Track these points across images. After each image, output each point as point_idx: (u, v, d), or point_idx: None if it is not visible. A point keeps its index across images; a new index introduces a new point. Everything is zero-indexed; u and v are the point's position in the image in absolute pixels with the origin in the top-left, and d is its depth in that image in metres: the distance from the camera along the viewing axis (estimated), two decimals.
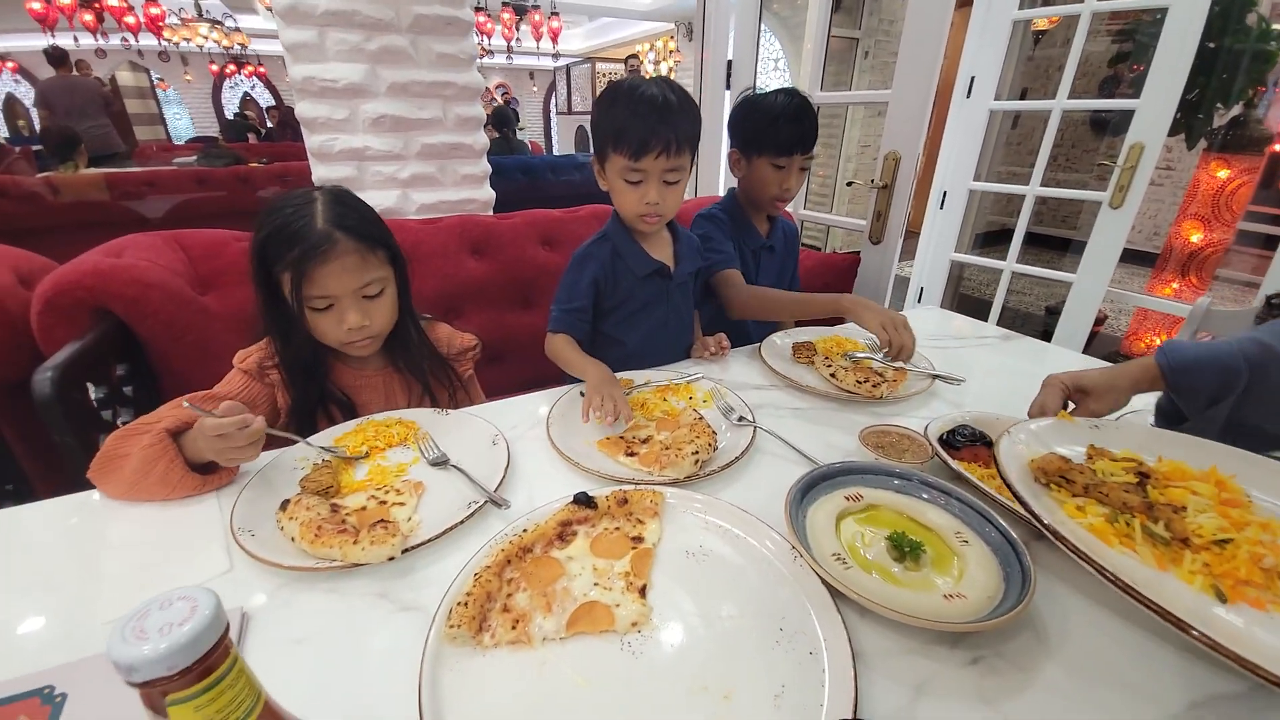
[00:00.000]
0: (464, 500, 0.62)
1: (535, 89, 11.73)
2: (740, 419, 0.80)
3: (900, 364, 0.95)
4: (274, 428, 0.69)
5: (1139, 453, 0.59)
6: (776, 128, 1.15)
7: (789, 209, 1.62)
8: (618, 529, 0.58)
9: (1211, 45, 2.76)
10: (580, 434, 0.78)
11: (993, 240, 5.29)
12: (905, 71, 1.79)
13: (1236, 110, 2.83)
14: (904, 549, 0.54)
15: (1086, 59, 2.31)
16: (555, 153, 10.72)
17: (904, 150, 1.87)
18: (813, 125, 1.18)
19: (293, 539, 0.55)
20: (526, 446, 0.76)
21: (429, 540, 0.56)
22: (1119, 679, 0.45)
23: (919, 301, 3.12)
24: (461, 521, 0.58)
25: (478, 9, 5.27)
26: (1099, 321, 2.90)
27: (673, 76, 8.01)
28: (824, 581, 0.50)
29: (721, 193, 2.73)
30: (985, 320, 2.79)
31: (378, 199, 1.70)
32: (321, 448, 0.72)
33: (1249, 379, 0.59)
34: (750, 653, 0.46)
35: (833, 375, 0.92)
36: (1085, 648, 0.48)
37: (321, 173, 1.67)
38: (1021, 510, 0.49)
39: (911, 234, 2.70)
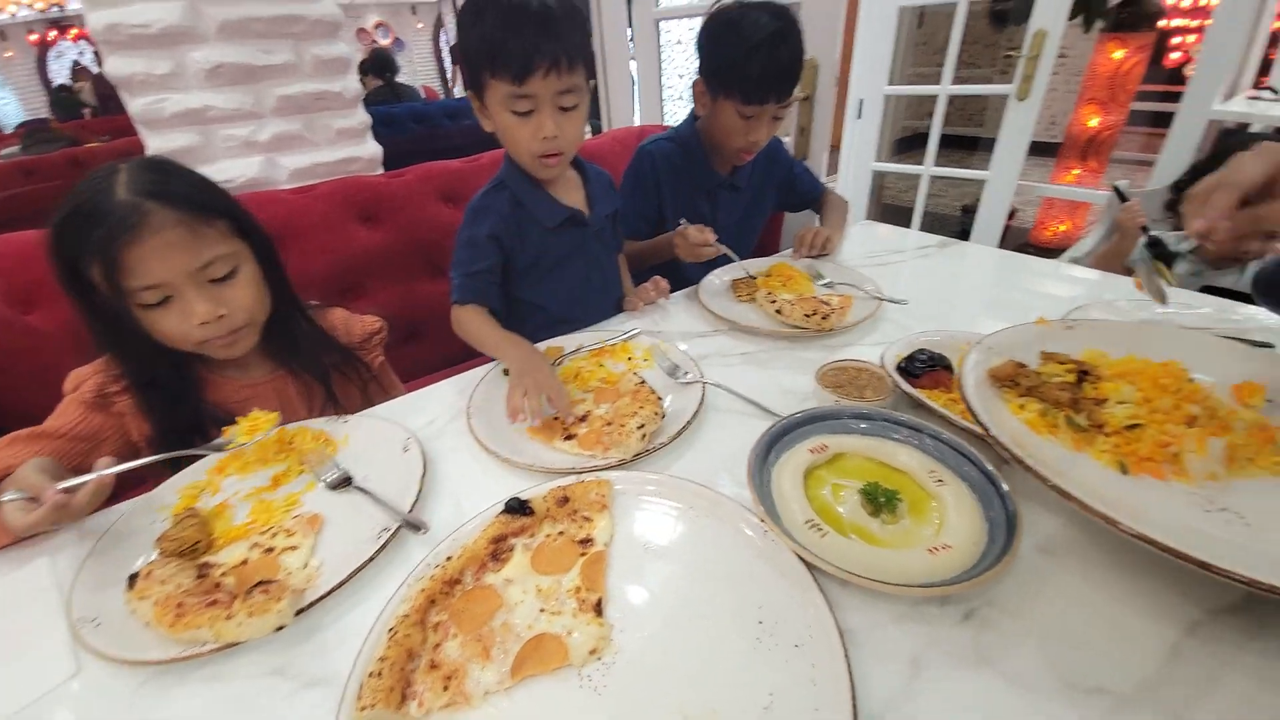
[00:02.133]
0: (374, 530, 0.52)
1: (420, 25, 10.56)
2: (686, 376, 0.72)
3: (843, 285, 0.90)
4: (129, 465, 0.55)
5: (1106, 349, 0.57)
6: (749, 63, 0.94)
7: None
8: (561, 534, 0.49)
9: None
10: (506, 420, 0.68)
11: (907, 146, 5.36)
12: None
13: None
14: (879, 501, 0.49)
15: None
16: (455, 95, 9.83)
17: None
18: (794, 63, 0.97)
19: (148, 624, 0.43)
20: (448, 445, 0.66)
21: (331, 591, 0.46)
22: (1113, 610, 0.42)
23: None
24: (369, 560, 0.48)
25: None
26: (1010, 215, 3.00)
27: None
28: (799, 557, 0.45)
29: (639, 122, 2.55)
30: (909, 226, 2.82)
31: (237, 169, 1.44)
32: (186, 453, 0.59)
33: None
34: (730, 661, 0.40)
35: (779, 311, 0.85)
36: (1072, 578, 0.45)
37: (157, 144, 1.39)
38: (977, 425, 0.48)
39: (833, 148, 2.64)
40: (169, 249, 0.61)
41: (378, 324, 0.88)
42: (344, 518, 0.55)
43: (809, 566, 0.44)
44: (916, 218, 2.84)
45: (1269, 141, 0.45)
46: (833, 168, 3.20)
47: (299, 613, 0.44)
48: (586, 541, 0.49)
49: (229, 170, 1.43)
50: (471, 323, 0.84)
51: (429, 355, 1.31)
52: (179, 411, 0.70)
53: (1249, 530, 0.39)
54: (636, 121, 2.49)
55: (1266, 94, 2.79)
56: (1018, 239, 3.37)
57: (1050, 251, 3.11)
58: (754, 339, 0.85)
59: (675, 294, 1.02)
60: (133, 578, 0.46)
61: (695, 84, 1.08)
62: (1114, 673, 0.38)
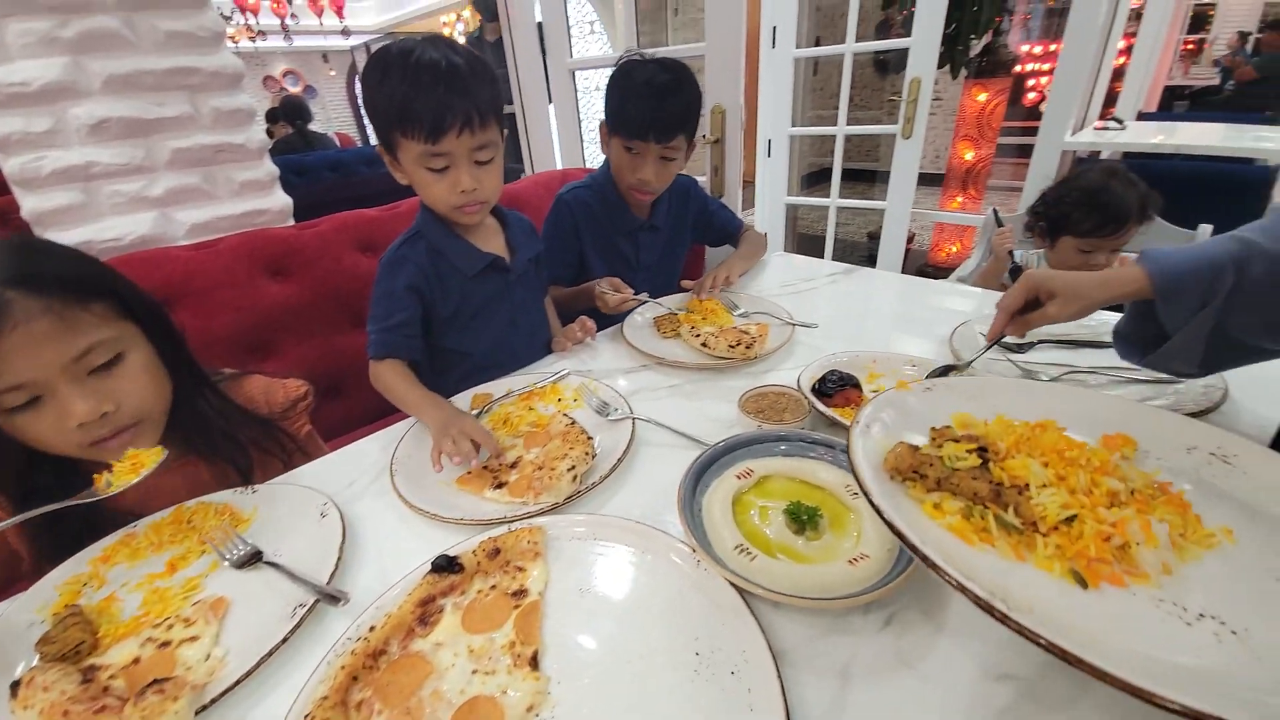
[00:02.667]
0: (288, 607, 0.48)
1: (333, 72, 10.38)
2: (616, 412, 0.73)
3: (758, 315, 0.95)
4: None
5: (969, 408, 0.52)
6: (629, 104, 1.01)
7: None
8: (493, 587, 0.48)
9: None
10: (433, 474, 0.66)
11: (817, 180, 5.78)
12: (714, 24, 1.79)
13: (987, 39, 3.30)
14: (801, 520, 0.51)
15: (863, 5, 2.51)
16: (371, 142, 9.65)
17: (727, 102, 1.89)
18: (678, 109, 1.01)
19: None
20: (369, 507, 0.63)
21: (238, 682, 0.42)
22: None
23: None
24: (283, 642, 0.45)
25: None
26: (909, 240, 3.28)
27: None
28: (729, 582, 0.46)
29: (561, 165, 2.61)
30: (822, 253, 3.01)
31: (125, 226, 1.34)
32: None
33: (1235, 278, 0.52)
34: (669, 697, 0.40)
35: (704, 345, 0.88)
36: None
37: (33, 204, 1.28)
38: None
39: (748, 183, 2.81)
40: (33, 343, 0.53)
41: (302, 389, 0.81)
42: (253, 598, 0.51)
43: (741, 592, 0.46)
44: (829, 245, 3.06)
45: (1030, 271, 0.64)
46: (750, 202, 3.40)
47: (200, 711, 0.40)
48: (520, 593, 0.47)
49: (117, 228, 1.33)
50: (389, 378, 0.81)
51: (352, 411, 1.25)
52: (65, 524, 0.59)
53: (1238, 642, 0.32)
54: (558, 165, 2.55)
55: (1113, 124, 3.25)
56: (918, 260, 3.68)
57: (946, 270, 3.41)
58: (679, 372, 0.87)
59: (601, 333, 1.03)
60: (14, 686, 0.40)
61: (599, 126, 1.14)
62: (1018, 659, 0.41)
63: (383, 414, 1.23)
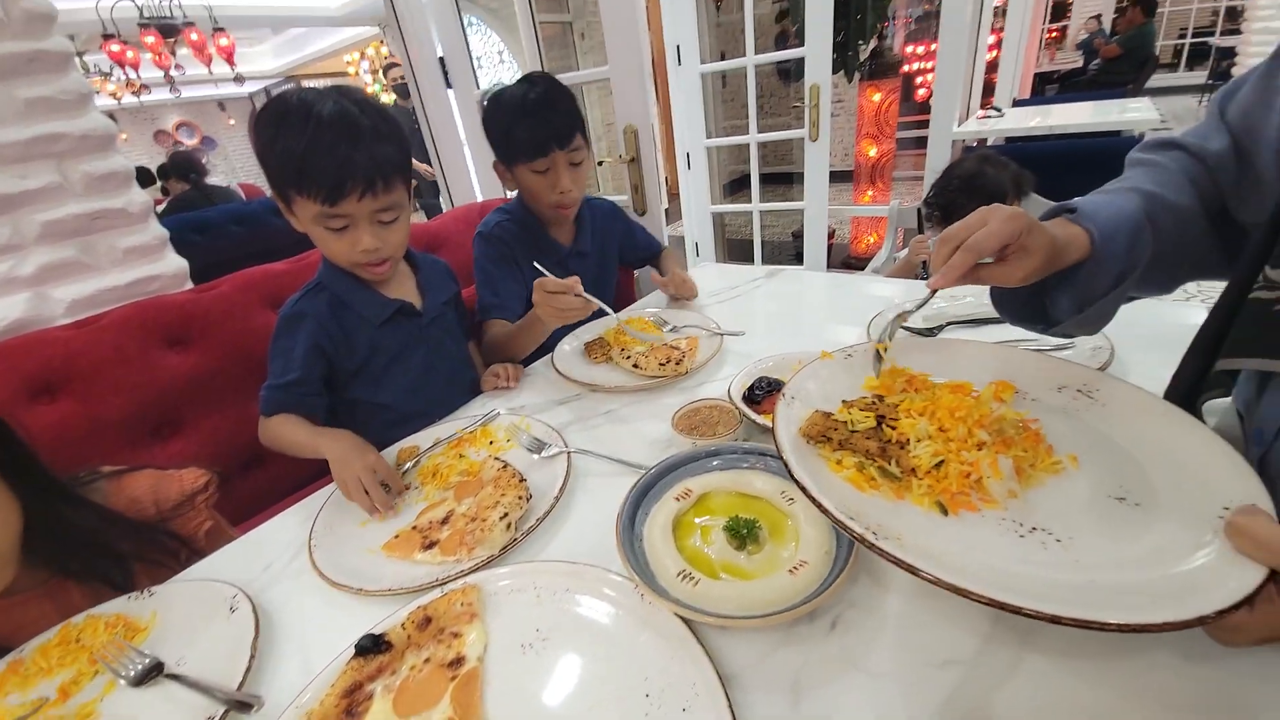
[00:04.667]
0: None
1: (233, 121, 9.91)
2: (549, 448, 0.71)
3: (687, 328, 0.95)
4: None
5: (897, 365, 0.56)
6: (518, 129, 0.99)
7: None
8: (427, 661, 0.45)
9: None
10: (358, 542, 0.62)
11: (737, 186, 5.97)
12: (615, 47, 1.82)
13: (874, 45, 3.53)
14: (741, 534, 0.51)
15: (759, 20, 2.63)
16: None
17: (638, 122, 1.92)
18: (563, 114, 1.01)
19: None
20: (288, 590, 0.58)
21: None
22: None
23: (698, 256, 3.37)
24: None
25: (108, 36, 4.15)
26: (830, 235, 3.44)
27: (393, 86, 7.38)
28: (675, 614, 0.44)
29: (480, 197, 2.57)
30: (751, 256, 3.10)
31: None
32: None
33: (1150, 235, 0.51)
34: None
35: (635, 366, 0.87)
36: None
37: None
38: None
39: (674, 196, 2.85)
40: None
41: (201, 479, 0.73)
42: (154, 716, 0.45)
43: (688, 621, 0.44)
44: (756, 249, 3.16)
45: (1008, 208, 0.51)
46: (677, 214, 3.47)
47: None
48: (457, 662, 0.44)
49: None
50: (279, 429, 0.76)
51: (273, 482, 1.16)
52: None
53: (1062, 549, 0.38)
54: (478, 197, 2.51)
55: (993, 113, 3.54)
56: (841, 253, 3.85)
57: (867, 259, 3.59)
58: (614, 396, 0.86)
59: (531, 365, 1.01)
60: None
61: (495, 166, 1.11)
62: (957, 645, 0.42)
63: (310, 480, 1.15)
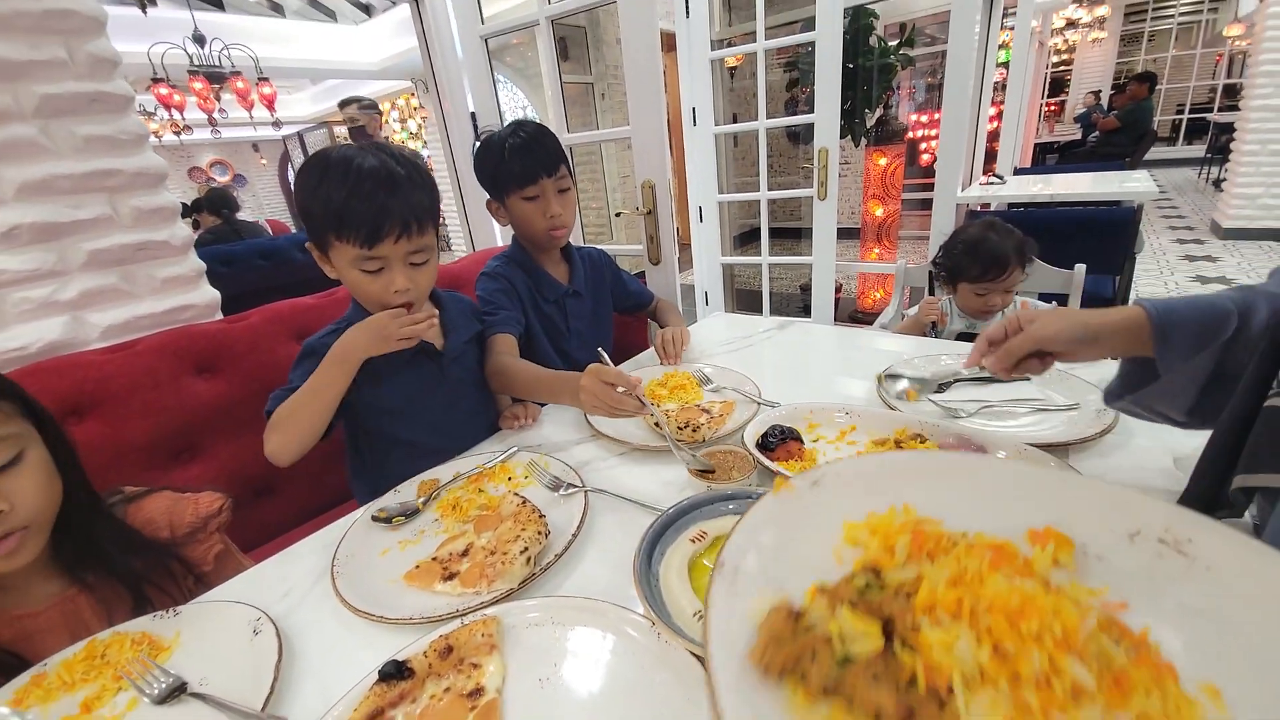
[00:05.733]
0: None
1: (265, 161, 10.38)
2: (568, 487, 0.73)
3: (728, 390, 0.96)
4: None
5: (871, 504, 0.41)
6: (508, 161, 1.07)
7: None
8: (447, 690, 0.46)
9: (850, 65, 3.59)
10: (380, 571, 0.63)
11: (748, 239, 6.15)
12: (636, 109, 1.94)
13: (880, 113, 3.72)
14: None
15: (771, 86, 2.80)
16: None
17: (656, 178, 2.02)
18: (548, 148, 1.09)
19: None
20: (310, 617, 0.59)
21: None
22: None
23: (707, 304, 3.45)
24: None
25: (156, 80, 4.43)
26: (837, 289, 3.51)
27: (422, 133, 7.75)
28: (690, 652, 0.45)
29: (501, 243, 2.67)
30: (760, 307, 3.16)
31: (32, 333, 1.26)
32: None
33: (1239, 322, 0.49)
34: None
35: (657, 425, 0.82)
36: None
37: None
38: None
39: (686, 245, 2.95)
40: None
41: (216, 503, 0.75)
42: None
43: (702, 660, 0.45)
44: (765, 299, 3.24)
45: (1058, 308, 0.59)
46: (688, 264, 3.57)
47: None
48: (476, 693, 0.45)
49: (22, 336, 1.24)
50: (282, 411, 0.79)
51: (286, 511, 1.18)
52: None
53: None
54: (499, 242, 2.61)
55: (995, 180, 3.69)
56: (848, 307, 3.92)
57: (873, 314, 3.65)
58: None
59: (550, 404, 1.03)
60: None
61: (488, 205, 1.19)
62: None
63: (319, 510, 1.16)
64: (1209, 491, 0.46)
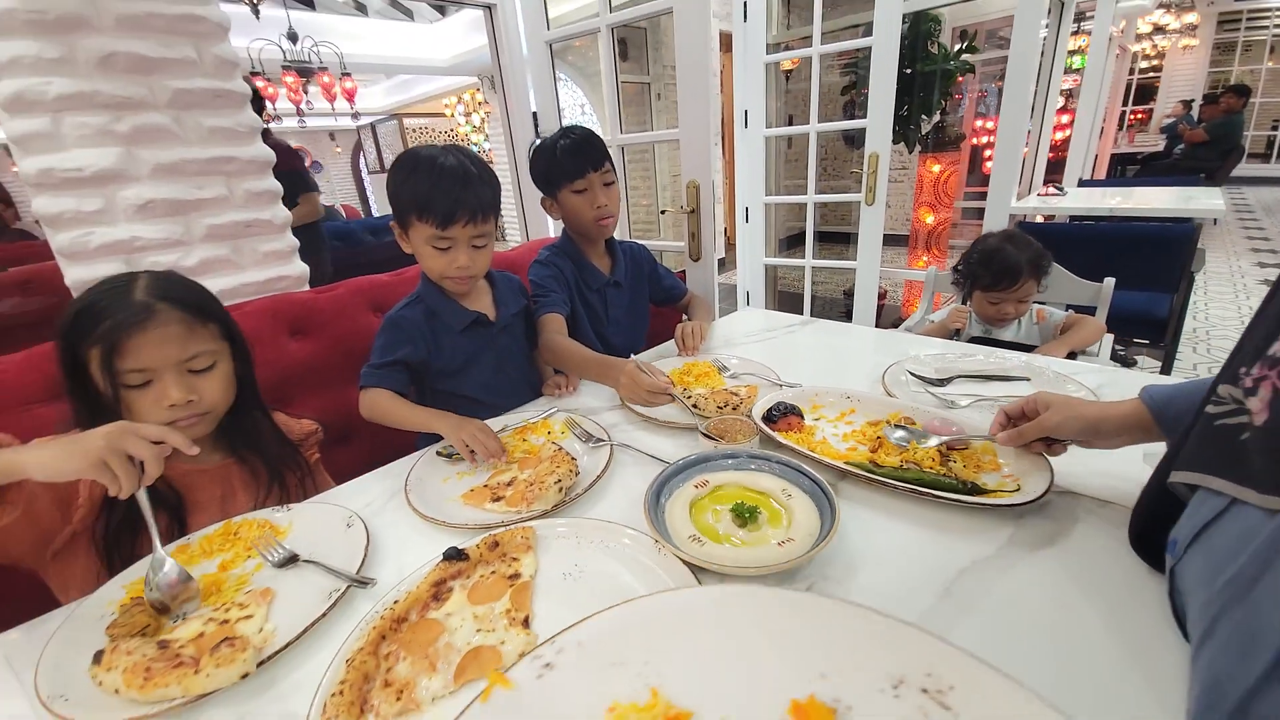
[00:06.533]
0: (324, 593, 0.59)
1: (339, 150, 11.04)
2: (597, 441, 0.86)
3: (747, 375, 1.06)
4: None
5: (618, 692, 0.37)
6: (560, 159, 1.22)
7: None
8: (493, 573, 0.59)
9: (909, 71, 3.56)
10: (442, 493, 0.78)
11: (796, 241, 6.13)
12: (686, 111, 2.04)
13: (936, 119, 3.67)
14: (744, 515, 0.63)
15: (827, 89, 2.83)
16: (374, 213, 10.11)
17: (700, 178, 2.12)
18: (595, 147, 1.24)
19: (117, 691, 0.47)
20: (387, 520, 0.74)
21: (288, 645, 0.52)
22: (906, 566, 0.58)
23: (748, 304, 3.51)
24: (323, 615, 0.55)
25: (253, 74, 4.86)
26: (881, 296, 3.51)
27: (485, 126, 8.09)
28: (683, 561, 0.57)
29: (552, 233, 2.84)
30: (800, 309, 3.21)
31: None
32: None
33: None
34: None
35: (695, 406, 0.90)
36: (881, 551, 0.61)
37: (77, 274, 1.43)
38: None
39: (733, 245, 3.03)
40: (164, 341, 0.72)
41: (314, 426, 0.98)
42: (294, 589, 0.61)
43: (693, 569, 0.57)
44: (806, 302, 3.28)
45: (1069, 398, 0.64)
46: (734, 263, 3.64)
47: (261, 664, 0.50)
48: (515, 576, 0.58)
49: None
50: (386, 403, 0.95)
51: (360, 457, 1.36)
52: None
53: None
54: (550, 233, 2.77)
55: (1055, 191, 3.59)
56: (892, 314, 3.90)
57: None
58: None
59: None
60: (99, 654, 0.50)
61: (542, 202, 1.33)
62: (903, 607, 0.53)
63: (386, 459, 1.34)
64: (1159, 483, 0.50)
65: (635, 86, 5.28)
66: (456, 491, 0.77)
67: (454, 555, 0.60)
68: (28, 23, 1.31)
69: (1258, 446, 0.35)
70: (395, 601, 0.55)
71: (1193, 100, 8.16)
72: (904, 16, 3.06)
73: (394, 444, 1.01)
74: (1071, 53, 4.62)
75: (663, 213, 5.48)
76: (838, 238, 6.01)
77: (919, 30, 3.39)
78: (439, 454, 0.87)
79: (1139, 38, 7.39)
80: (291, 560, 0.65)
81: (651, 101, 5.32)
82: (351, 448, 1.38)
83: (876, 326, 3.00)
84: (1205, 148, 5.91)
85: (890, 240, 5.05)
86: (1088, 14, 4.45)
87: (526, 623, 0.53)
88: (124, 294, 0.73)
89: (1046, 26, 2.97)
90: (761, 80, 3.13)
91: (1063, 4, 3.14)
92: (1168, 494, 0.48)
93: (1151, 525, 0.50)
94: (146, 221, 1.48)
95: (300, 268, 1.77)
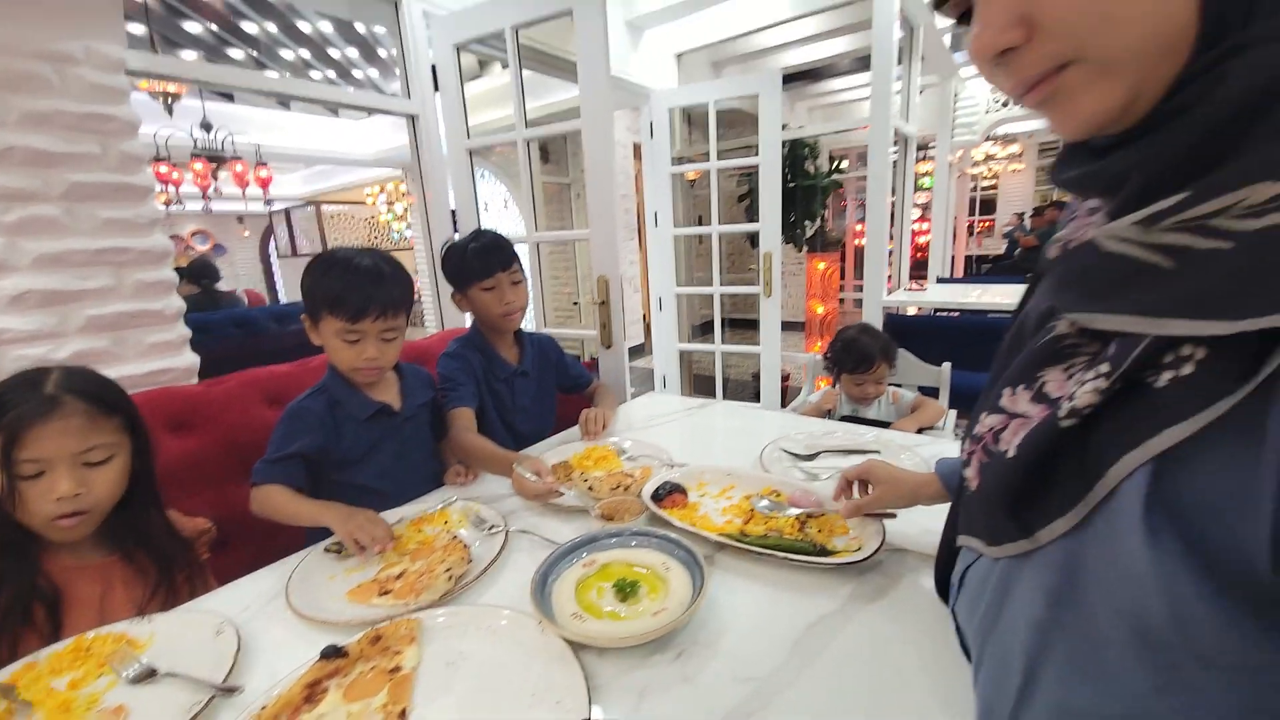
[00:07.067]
0: (183, 707, 0.56)
1: (247, 233, 10.65)
2: (492, 528, 0.88)
3: (643, 457, 1.14)
4: None
5: None
6: (470, 260, 1.31)
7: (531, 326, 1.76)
8: (374, 668, 0.59)
9: (792, 184, 4.13)
10: (328, 591, 0.76)
11: (709, 328, 6.55)
12: (595, 214, 2.24)
13: (818, 224, 4.23)
14: (625, 591, 0.68)
15: (728, 194, 3.22)
16: (281, 300, 9.69)
17: (609, 273, 2.29)
18: (503, 250, 1.34)
19: None
20: (264, 625, 0.71)
21: None
22: (765, 625, 0.65)
23: (664, 386, 3.67)
24: None
25: (158, 158, 4.72)
26: (785, 378, 3.80)
27: (407, 214, 8.20)
28: (563, 639, 0.61)
29: (467, 322, 2.89)
30: (713, 391, 3.39)
31: None
32: None
33: None
34: None
35: (590, 488, 0.96)
36: (746, 613, 0.67)
37: None
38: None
39: (650, 331, 3.21)
40: (64, 433, 0.73)
41: (207, 525, 0.97)
42: (151, 705, 0.57)
43: (572, 645, 0.60)
44: (718, 385, 3.49)
45: (894, 471, 0.78)
46: (650, 349, 3.82)
47: None
48: (395, 670, 0.59)
49: None
50: (277, 498, 0.94)
51: (242, 560, 1.24)
52: (19, 574, 0.73)
53: None
54: (465, 322, 2.82)
55: (915, 287, 4.17)
56: (795, 394, 4.20)
57: None
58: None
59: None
60: None
61: (452, 297, 1.41)
62: (759, 664, 0.59)
63: (270, 561, 1.26)
64: (949, 536, 0.56)
65: (556, 186, 5.66)
66: (343, 589, 0.76)
67: (332, 653, 0.59)
68: None
69: (976, 508, 0.44)
70: (263, 707, 0.53)
71: (1024, 212, 9.90)
72: (784, 143, 3.60)
73: (282, 546, 0.97)
74: (921, 174, 5.54)
75: (575, 304, 5.72)
76: (747, 324, 6.49)
77: (797, 153, 3.98)
78: (326, 550, 0.85)
79: (975, 163, 8.99)
80: (149, 675, 0.61)
81: (571, 200, 5.70)
82: (232, 554, 1.27)
83: (782, 406, 3.24)
84: (1036, 250, 7.13)
85: (793, 327, 5.53)
86: (931, 144, 5.41)
87: (403, 716, 0.53)
88: (34, 386, 0.73)
89: (895, 153, 3.58)
90: (668, 187, 3.50)
91: (906, 139, 3.83)
92: (954, 546, 0.57)
93: (945, 572, 0.61)
94: (20, 313, 1.38)
95: (190, 359, 1.70)
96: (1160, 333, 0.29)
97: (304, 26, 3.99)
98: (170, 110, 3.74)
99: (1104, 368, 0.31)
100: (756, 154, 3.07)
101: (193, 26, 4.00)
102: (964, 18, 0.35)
